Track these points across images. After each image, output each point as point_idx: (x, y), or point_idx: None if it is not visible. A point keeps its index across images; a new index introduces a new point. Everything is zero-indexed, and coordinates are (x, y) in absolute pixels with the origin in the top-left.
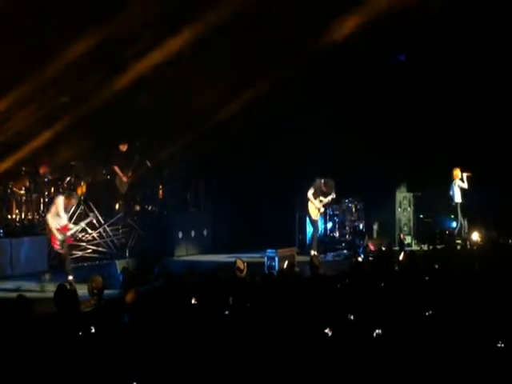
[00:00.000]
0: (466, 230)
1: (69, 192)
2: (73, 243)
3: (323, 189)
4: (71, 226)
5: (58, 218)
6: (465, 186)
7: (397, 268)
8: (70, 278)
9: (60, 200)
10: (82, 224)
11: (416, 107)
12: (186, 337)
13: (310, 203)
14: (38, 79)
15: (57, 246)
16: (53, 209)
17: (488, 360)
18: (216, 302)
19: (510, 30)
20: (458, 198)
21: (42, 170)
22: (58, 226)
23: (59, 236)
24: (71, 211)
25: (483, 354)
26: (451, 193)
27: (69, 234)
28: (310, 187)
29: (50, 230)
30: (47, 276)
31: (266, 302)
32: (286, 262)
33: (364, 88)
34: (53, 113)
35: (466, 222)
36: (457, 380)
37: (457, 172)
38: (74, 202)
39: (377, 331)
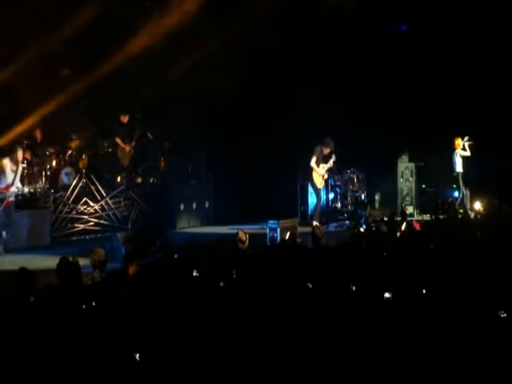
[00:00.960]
0: (469, 200)
1: (13, 151)
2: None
3: (324, 153)
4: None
5: (3, 177)
6: (467, 153)
7: (398, 236)
8: None
9: (5, 161)
10: (26, 189)
11: (417, 77)
12: (187, 309)
13: (313, 172)
14: (39, 51)
15: None
16: None
17: (490, 329)
18: (218, 273)
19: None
20: (459, 168)
21: (37, 135)
22: (2, 186)
23: None
24: (19, 172)
25: (485, 324)
26: (453, 163)
27: (9, 194)
28: (312, 156)
29: None
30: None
31: (268, 273)
32: (288, 233)
33: (365, 59)
34: (54, 85)
35: (468, 192)
36: (458, 350)
37: (458, 141)
38: (20, 158)
39: (386, 295)
